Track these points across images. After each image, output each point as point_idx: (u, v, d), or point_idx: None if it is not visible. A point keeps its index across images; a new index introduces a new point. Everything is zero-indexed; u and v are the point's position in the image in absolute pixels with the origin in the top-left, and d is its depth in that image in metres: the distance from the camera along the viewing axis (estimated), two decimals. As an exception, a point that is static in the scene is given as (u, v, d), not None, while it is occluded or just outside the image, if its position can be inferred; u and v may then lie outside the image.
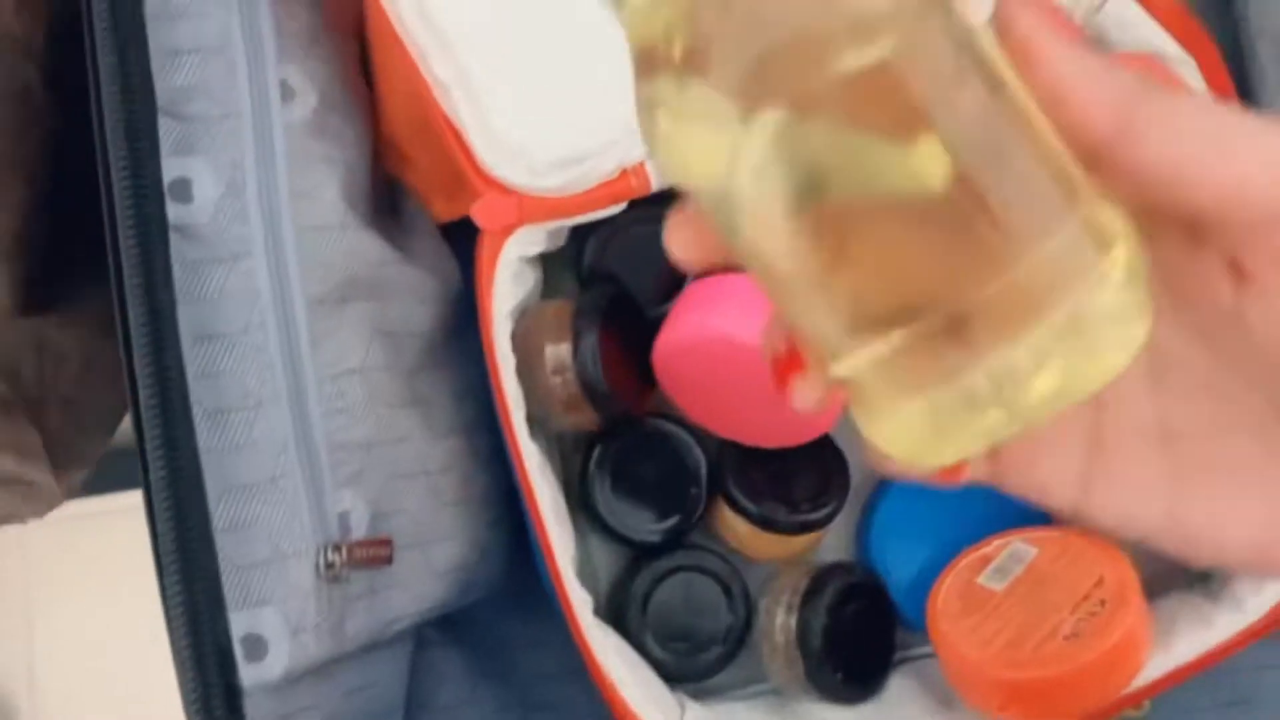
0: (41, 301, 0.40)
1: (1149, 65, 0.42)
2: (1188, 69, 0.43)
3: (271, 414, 0.36)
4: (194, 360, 0.35)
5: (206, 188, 0.36)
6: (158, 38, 0.36)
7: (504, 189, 0.40)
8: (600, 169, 0.40)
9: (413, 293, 0.41)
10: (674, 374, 0.44)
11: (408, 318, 0.41)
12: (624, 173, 0.40)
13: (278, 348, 0.36)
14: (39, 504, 0.43)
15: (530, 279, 0.44)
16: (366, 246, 0.39)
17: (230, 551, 0.34)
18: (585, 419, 0.43)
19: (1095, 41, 0.45)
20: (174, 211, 0.35)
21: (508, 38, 0.40)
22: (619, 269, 0.47)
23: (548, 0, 0.40)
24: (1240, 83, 0.45)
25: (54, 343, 0.40)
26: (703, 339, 0.42)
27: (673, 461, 0.46)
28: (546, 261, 0.47)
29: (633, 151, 0.40)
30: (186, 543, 0.33)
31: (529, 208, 0.40)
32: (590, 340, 0.42)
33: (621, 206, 0.42)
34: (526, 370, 0.43)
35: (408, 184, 0.47)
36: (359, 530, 0.38)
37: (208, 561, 0.33)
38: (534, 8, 0.40)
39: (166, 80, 0.36)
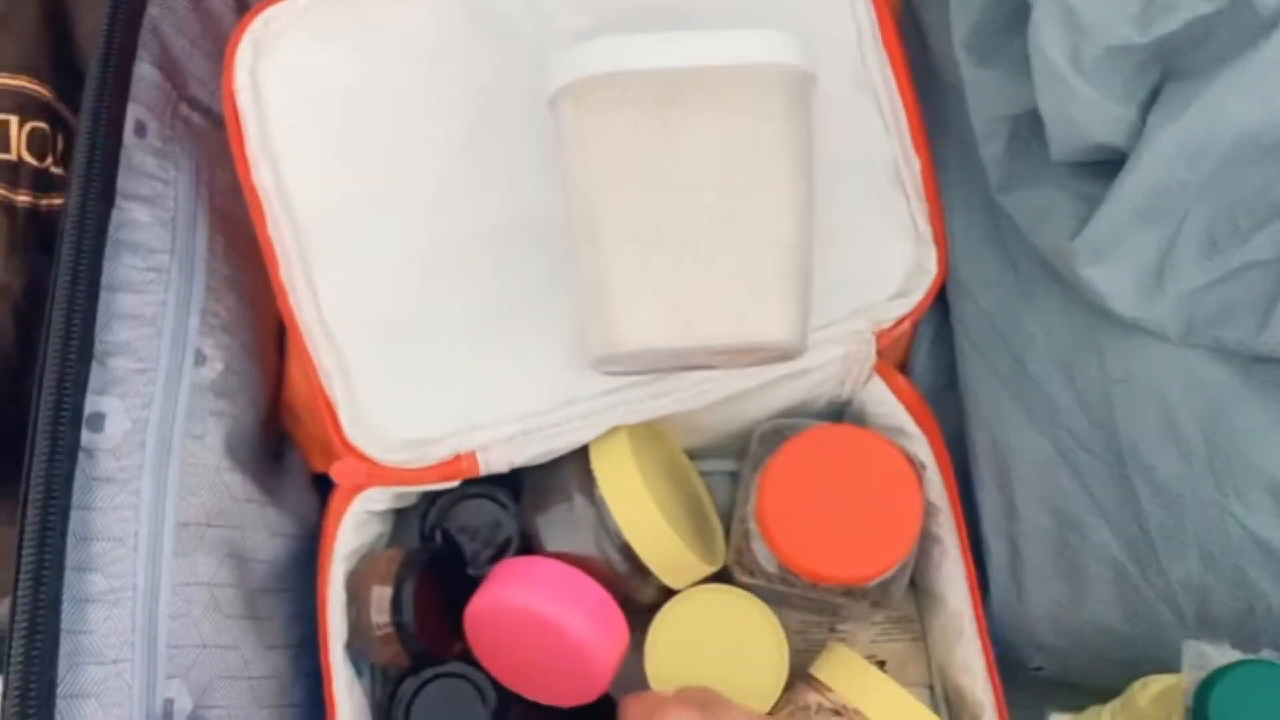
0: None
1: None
2: (920, 443, 0.54)
3: (126, 609, 0.44)
4: (73, 556, 0.44)
5: (117, 422, 0.46)
6: (104, 303, 0.47)
7: (360, 456, 0.50)
8: (438, 452, 0.50)
9: (268, 527, 0.51)
10: (479, 632, 0.53)
11: (260, 546, 0.51)
12: (457, 457, 0.51)
13: (144, 556, 0.45)
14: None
15: (374, 529, 0.53)
16: (236, 486, 0.49)
17: (66, 716, 0.42)
18: (398, 655, 0.52)
19: (858, 414, 0.57)
20: (87, 437, 0.45)
21: (378, 340, 0.50)
22: (455, 530, 0.56)
23: (419, 310, 0.51)
24: (960, 462, 0.56)
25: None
26: (507, 607, 0.51)
27: (468, 703, 0.54)
28: (402, 515, 0.57)
29: (465, 442, 0.50)
30: (30, 701, 0.41)
31: (377, 474, 0.50)
32: (409, 587, 0.50)
33: (456, 482, 0.52)
34: (356, 605, 0.51)
35: (295, 438, 0.57)
36: (179, 717, 0.46)
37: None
38: (404, 320, 0.51)
39: (104, 336, 0.46)
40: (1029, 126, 0.49)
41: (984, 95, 0.50)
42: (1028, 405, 0.52)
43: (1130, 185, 0.45)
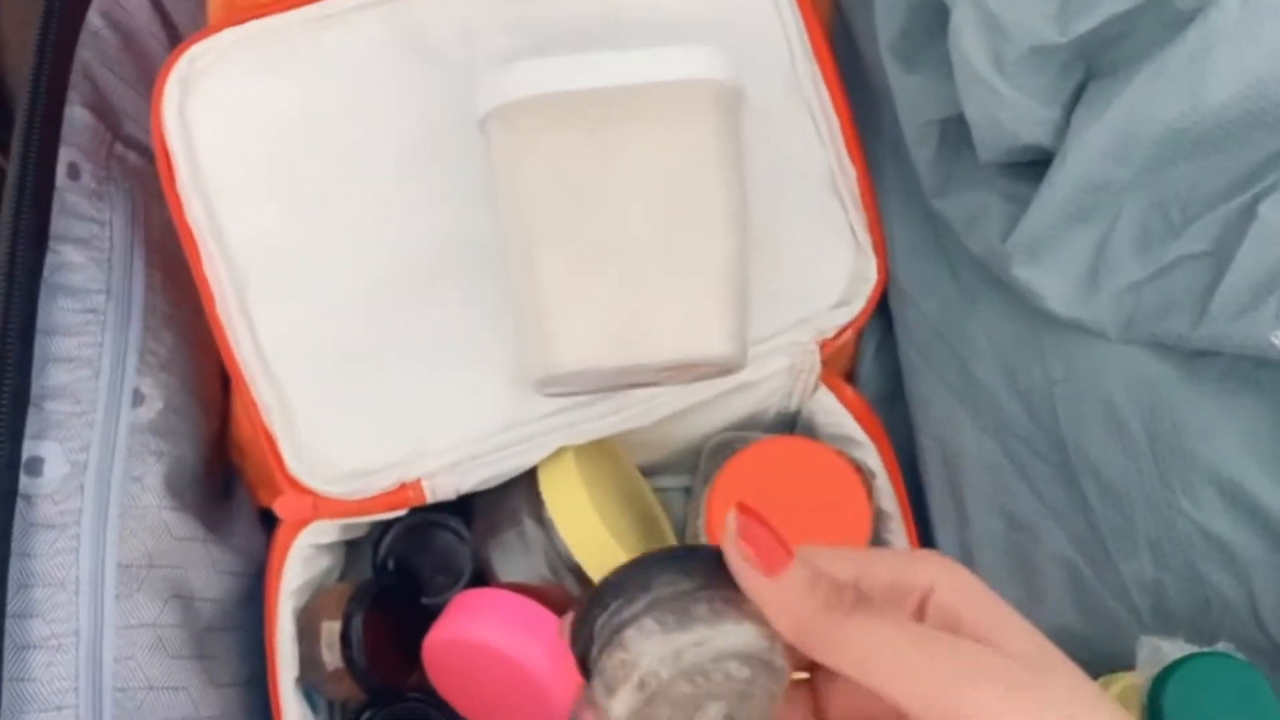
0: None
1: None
2: (869, 451, 0.54)
3: (68, 655, 0.44)
4: (14, 603, 0.43)
5: (55, 466, 0.46)
6: (40, 347, 0.46)
7: (303, 489, 0.50)
8: (382, 482, 0.50)
9: (213, 565, 0.51)
10: (437, 664, 0.52)
11: (205, 585, 0.50)
12: (402, 486, 0.50)
13: (86, 600, 0.45)
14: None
15: (323, 563, 0.53)
16: (177, 525, 0.49)
17: (7, 766, 0.42)
18: (352, 690, 0.51)
19: (808, 425, 0.57)
20: (25, 483, 0.45)
21: (318, 373, 0.50)
22: (409, 559, 0.56)
23: (357, 341, 0.51)
24: (909, 468, 0.56)
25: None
26: (465, 641, 0.51)
27: (427, 734, 0.53)
28: (355, 546, 0.57)
29: (409, 470, 0.50)
30: (-32, 753, 0.41)
31: (322, 507, 0.50)
32: (357, 623, 0.50)
33: (403, 511, 0.52)
34: (307, 641, 0.51)
35: (242, 473, 0.57)
36: (129, 761, 0.45)
37: (-16, 773, 0.41)
38: (344, 350, 0.51)
39: (40, 380, 0.46)
40: (958, 130, 0.49)
41: (912, 101, 0.50)
42: (974, 409, 0.52)
43: (1059, 184, 0.45)
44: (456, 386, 0.51)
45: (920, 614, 0.31)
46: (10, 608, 0.43)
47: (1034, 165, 0.47)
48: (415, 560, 0.56)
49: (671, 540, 0.59)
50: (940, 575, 0.31)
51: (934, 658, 0.28)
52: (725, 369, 0.48)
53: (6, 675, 0.42)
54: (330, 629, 0.50)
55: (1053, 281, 0.47)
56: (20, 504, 0.45)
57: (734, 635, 0.30)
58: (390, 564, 0.56)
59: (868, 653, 0.29)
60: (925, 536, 0.55)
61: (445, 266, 0.51)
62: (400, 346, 0.51)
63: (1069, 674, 0.29)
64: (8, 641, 0.43)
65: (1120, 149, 0.45)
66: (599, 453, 0.55)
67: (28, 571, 0.44)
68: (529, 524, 0.52)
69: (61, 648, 0.44)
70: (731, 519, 0.31)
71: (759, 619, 0.31)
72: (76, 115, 0.51)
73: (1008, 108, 0.45)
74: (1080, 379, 0.48)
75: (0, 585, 0.43)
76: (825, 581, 0.30)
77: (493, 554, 0.53)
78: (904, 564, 0.32)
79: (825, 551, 0.32)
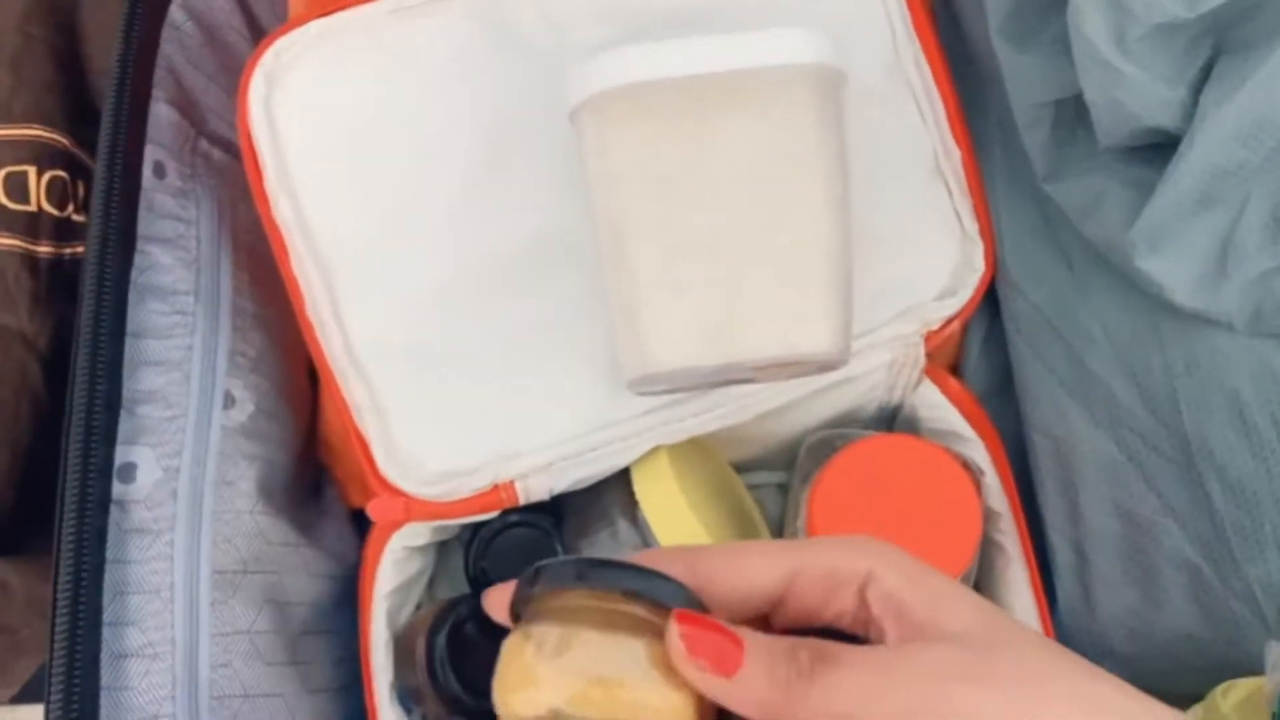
0: (4, 546, 0.48)
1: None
2: (976, 448, 0.52)
3: (165, 664, 0.44)
4: (109, 611, 0.43)
5: (148, 472, 0.45)
6: (130, 350, 0.46)
7: (396, 491, 0.49)
8: (475, 483, 0.49)
9: (306, 569, 0.50)
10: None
11: (300, 590, 0.49)
12: (495, 487, 0.49)
13: (181, 608, 0.45)
14: (-29, 714, 0.50)
15: (415, 565, 0.52)
16: (271, 530, 0.48)
17: (108, 775, 0.41)
18: (440, 711, 0.50)
19: (910, 420, 0.55)
20: (118, 489, 0.44)
21: (409, 372, 0.49)
22: (501, 561, 0.55)
23: (448, 339, 0.50)
24: (1020, 465, 0.53)
25: (5, 581, 0.48)
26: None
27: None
28: (446, 547, 0.56)
29: (503, 471, 0.49)
30: (70, 765, 0.40)
31: (415, 509, 0.49)
32: (440, 640, 0.48)
33: (495, 513, 0.51)
34: (404, 661, 0.50)
35: (333, 473, 0.56)
36: (225, 769, 0.45)
37: (86, 784, 0.41)
38: (434, 348, 0.49)
39: (131, 384, 0.46)
40: (1074, 111, 0.47)
41: (1024, 82, 0.47)
42: (1088, 404, 0.49)
43: (1185, 170, 0.43)
44: (549, 385, 0.50)
45: (861, 601, 0.32)
46: (106, 616, 0.43)
47: (1156, 149, 0.44)
48: (507, 562, 0.55)
49: (768, 538, 0.57)
50: (876, 561, 0.32)
51: (899, 682, 0.29)
52: (827, 365, 0.47)
53: (104, 684, 0.42)
54: (420, 647, 0.49)
55: (1177, 271, 0.44)
56: (114, 510, 0.44)
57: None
58: (482, 567, 0.55)
59: (845, 705, 0.29)
60: (1036, 536, 0.52)
61: (536, 262, 0.50)
62: (491, 344, 0.49)
63: (1012, 644, 0.30)
64: (105, 650, 0.42)
65: (1251, 131, 0.42)
66: (693, 450, 0.53)
67: (123, 579, 0.44)
68: (622, 524, 0.51)
69: (158, 656, 0.44)
70: (674, 634, 0.30)
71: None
72: (161, 113, 0.51)
73: (1130, 89, 0.42)
74: (1204, 372, 0.46)
75: (95, 592, 0.43)
76: (781, 658, 0.30)
77: (585, 554, 0.52)
78: (838, 553, 0.32)
79: (755, 550, 0.33)
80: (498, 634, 0.51)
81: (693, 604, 0.31)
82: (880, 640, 0.32)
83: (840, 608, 0.32)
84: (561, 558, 0.32)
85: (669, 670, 0.30)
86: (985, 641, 0.30)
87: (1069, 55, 0.44)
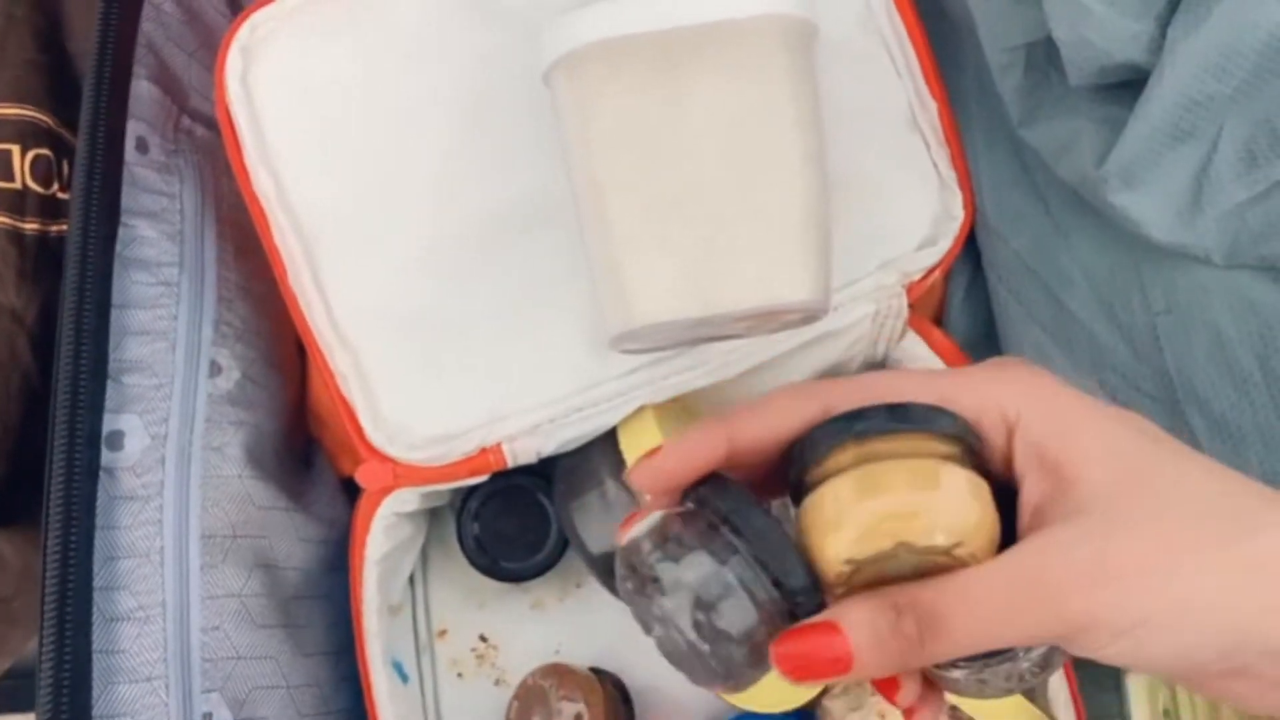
0: (-3, 518, 0.49)
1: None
2: (961, 398, 0.52)
3: (156, 626, 0.44)
4: (100, 576, 0.43)
5: (136, 439, 0.46)
6: (116, 321, 0.46)
7: (384, 457, 0.49)
8: (463, 447, 0.49)
9: (296, 533, 0.50)
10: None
11: (289, 554, 0.50)
12: (483, 450, 0.49)
13: (171, 572, 0.45)
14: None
15: (406, 531, 0.53)
16: (259, 494, 0.48)
17: (101, 738, 0.42)
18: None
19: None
20: (106, 456, 0.45)
21: (393, 339, 0.49)
22: (493, 524, 0.55)
23: (431, 305, 0.50)
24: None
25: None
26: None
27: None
28: (435, 514, 0.56)
29: (490, 435, 0.49)
30: (63, 721, 0.41)
31: (403, 474, 0.49)
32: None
33: (484, 477, 0.51)
34: None
35: (323, 444, 0.56)
36: (220, 731, 0.45)
37: (78, 743, 0.41)
38: (418, 315, 0.50)
39: (117, 354, 0.46)
40: (1045, 54, 0.47)
41: (995, 25, 0.48)
42: (1070, 347, 0.49)
43: (1156, 104, 0.43)
44: (533, 347, 0.50)
45: (1009, 444, 0.30)
46: (97, 580, 0.43)
47: (1128, 86, 0.44)
48: (498, 526, 0.55)
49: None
50: (1024, 403, 0.30)
51: (1013, 609, 0.28)
52: (809, 316, 0.47)
53: (96, 647, 0.42)
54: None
55: (1152, 206, 0.44)
56: (103, 477, 0.44)
57: None
58: (474, 531, 0.55)
59: (970, 647, 0.29)
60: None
61: (515, 225, 0.50)
62: (474, 308, 0.50)
63: (1158, 497, 0.29)
64: (96, 613, 0.43)
65: (1221, 63, 0.42)
66: (679, 409, 0.54)
67: (113, 544, 0.44)
68: (610, 485, 0.51)
69: (149, 619, 0.44)
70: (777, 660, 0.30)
71: None
72: (143, 90, 0.51)
73: (1098, 25, 0.43)
74: (1184, 309, 0.46)
75: (86, 558, 0.43)
76: (888, 637, 0.29)
77: (575, 516, 0.52)
78: (988, 388, 0.31)
79: (910, 379, 0.31)
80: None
81: (963, 429, 0.31)
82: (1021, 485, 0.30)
83: (992, 444, 0.31)
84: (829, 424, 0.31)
85: (975, 487, 0.30)
86: (1127, 503, 0.28)
87: (1038, -4, 0.44)
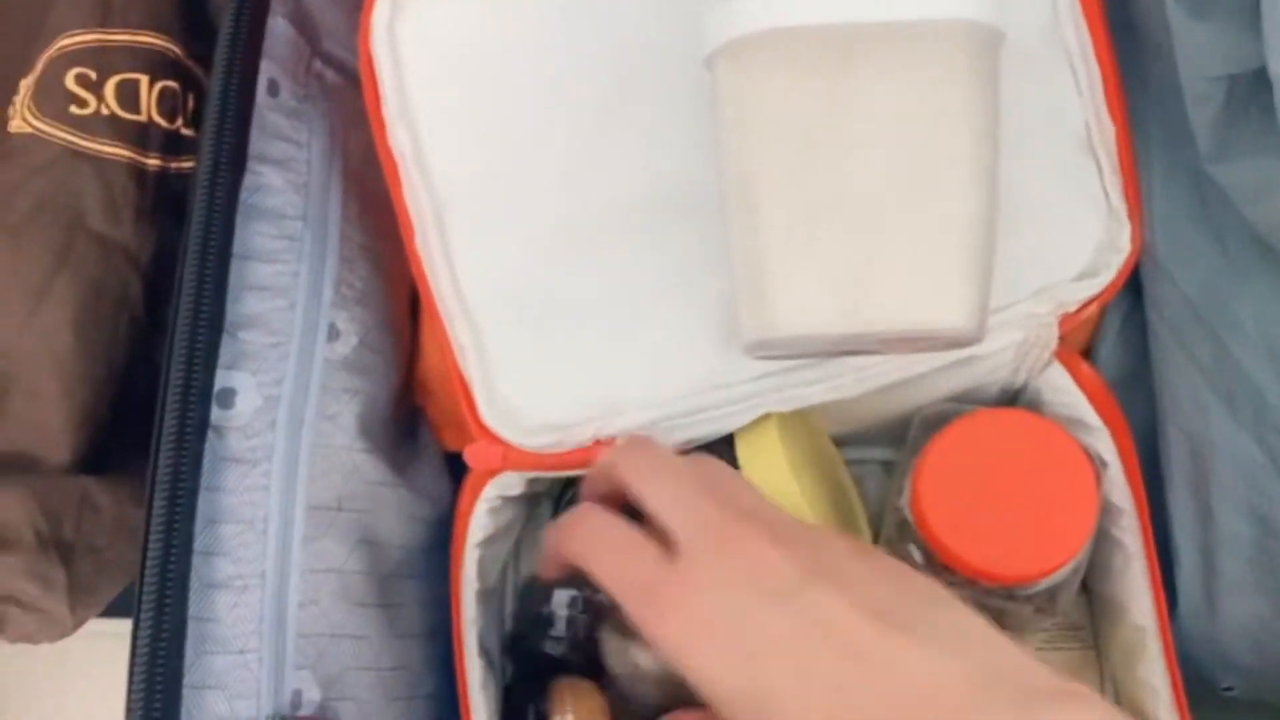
0: (94, 464, 0.47)
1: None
2: (1102, 437, 0.49)
3: (254, 597, 0.42)
4: (201, 540, 0.42)
5: (248, 399, 0.44)
6: (236, 273, 0.44)
7: (495, 438, 0.47)
8: (577, 437, 0.47)
9: (402, 510, 0.48)
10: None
11: (392, 531, 0.48)
12: (597, 442, 0.47)
13: (274, 541, 0.43)
14: (52, 632, 0.50)
15: (508, 515, 0.51)
16: (368, 468, 0.47)
17: (191, 706, 0.40)
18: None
19: (1033, 403, 0.52)
20: (216, 414, 0.43)
21: (517, 317, 0.47)
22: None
23: (558, 286, 0.48)
24: (1149, 459, 0.50)
25: (95, 499, 0.47)
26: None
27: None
28: (533, 500, 0.54)
29: (605, 427, 0.47)
30: (155, 691, 0.39)
31: (513, 458, 0.47)
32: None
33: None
34: None
35: (428, 414, 0.55)
36: (308, 709, 0.44)
37: (170, 714, 0.39)
38: (544, 295, 0.48)
39: (235, 307, 0.44)
40: (1250, 88, 0.43)
41: (1198, 52, 0.44)
42: (1232, 400, 0.46)
43: (1372, 157, 0.39)
44: (659, 340, 0.47)
45: None
46: (197, 544, 0.42)
47: (1340, 132, 0.41)
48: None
49: (863, 518, 0.55)
50: None
51: None
52: (960, 343, 0.44)
53: (191, 614, 0.41)
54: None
55: (1350, 266, 0.41)
56: (211, 436, 0.43)
57: None
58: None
59: None
60: (1162, 536, 0.50)
61: (655, 210, 0.47)
62: (603, 294, 0.47)
63: None
64: (194, 580, 0.41)
65: None
66: (798, 420, 0.51)
67: (216, 507, 0.42)
68: (724, 490, 0.49)
69: (247, 588, 0.42)
70: None
71: None
72: (278, 27, 0.49)
73: (1324, 66, 0.39)
74: (1366, 377, 0.43)
75: (189, 519, 0.41)
76: None
77: (682, 518, 0.50)
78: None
79: None
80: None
81: None
82: None
83: None
84: None
85: None
86: None
87: (1253, 26, 0.41)
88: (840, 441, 0.57)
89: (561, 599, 0.47)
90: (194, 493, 0.41)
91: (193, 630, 0.41)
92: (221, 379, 0.43)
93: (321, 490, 0.45)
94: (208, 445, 0.42)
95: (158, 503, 0.41)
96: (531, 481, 0.50)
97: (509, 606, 0.55)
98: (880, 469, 0.58)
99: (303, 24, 0.50)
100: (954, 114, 0.42)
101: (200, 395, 0.42)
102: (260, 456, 0.43)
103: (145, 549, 0.40)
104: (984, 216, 0.42)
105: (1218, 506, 0.47)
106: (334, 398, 0.46)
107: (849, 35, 0.41)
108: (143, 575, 0.40)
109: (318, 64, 0.51)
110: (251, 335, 0.44)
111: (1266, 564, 0.47)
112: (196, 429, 0.42)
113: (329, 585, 0.44)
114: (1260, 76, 0.42)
